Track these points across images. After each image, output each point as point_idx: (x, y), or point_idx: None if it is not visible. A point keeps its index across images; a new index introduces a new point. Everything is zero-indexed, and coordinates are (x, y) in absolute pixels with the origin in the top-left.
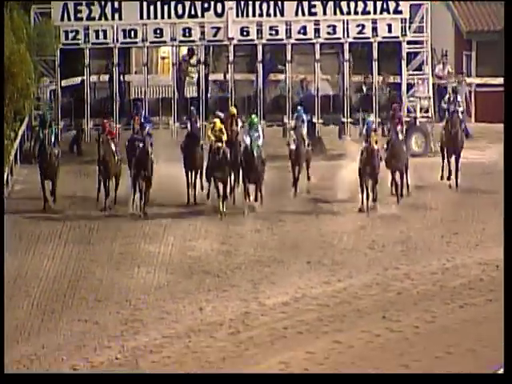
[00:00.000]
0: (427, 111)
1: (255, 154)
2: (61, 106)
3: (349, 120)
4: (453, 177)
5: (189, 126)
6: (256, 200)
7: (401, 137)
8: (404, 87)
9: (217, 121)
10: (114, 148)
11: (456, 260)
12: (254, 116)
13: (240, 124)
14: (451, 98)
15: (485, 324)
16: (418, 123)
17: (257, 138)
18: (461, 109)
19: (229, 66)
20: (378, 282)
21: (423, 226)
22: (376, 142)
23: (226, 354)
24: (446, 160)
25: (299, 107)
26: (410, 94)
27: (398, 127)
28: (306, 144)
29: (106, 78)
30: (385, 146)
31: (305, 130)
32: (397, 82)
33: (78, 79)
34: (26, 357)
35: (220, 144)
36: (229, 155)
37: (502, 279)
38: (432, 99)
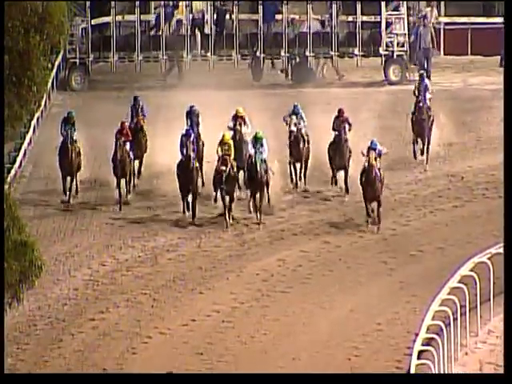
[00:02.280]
0: (403, 46)
1: (258, 170)
2: (90, 42)
3: (336, 53)
4: (424, 155)
5: (184, 150)
6: (257, 212)
7: (346, 137)
8: (383, 25)
9: (226, 134)
10: (128, 148)
11: (427, 172)
12: (259, 131)
13: (249, 128)
14: (420, 89)
15: (451, 226)
16: (395, 56)
17: (262, 151)
18: (429, 96)
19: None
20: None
21: (400, 144)
22: (375, 160)
23: (231, 252)
24: (417, 144)
25: (298, 106)
26: (388, 32)
27: (346, 127)
28: (306, 142)
29: (130, 17)
30: (328, 144)
31: (303, 129)
32: (377, 20)
33: (105, 18)
34: (62, 254)
35: (224, 168)
36: (235, 169)
37: (465, 188)
38: (407, 35)
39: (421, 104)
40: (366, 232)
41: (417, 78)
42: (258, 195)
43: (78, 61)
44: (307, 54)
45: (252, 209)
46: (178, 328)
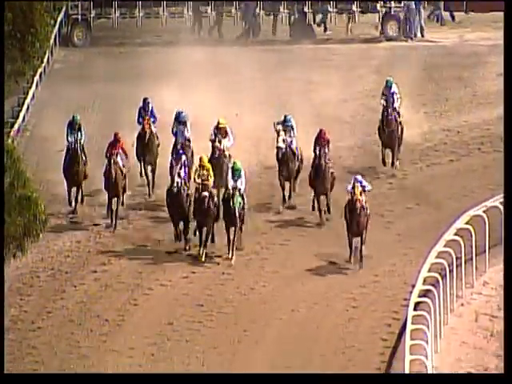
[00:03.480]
0: (400, 1)
1: (236, 209)
2: None
3: (334, 10)
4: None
5: (175, 176)
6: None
7: (326, 161)
8: None
9: (203, 157)
10: (121, 164)
11: (424, 127)
12: (236, 161)
13: (232, 141)
14: (387, 96)
15: (447, 180)
16: (392, 12)
17: (240, 184)
18: (397, 104)
19: None
20: (359, 145)
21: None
22: (361, 194)
23: None
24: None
25: (288, 116)
26: None
27: (326, 150)
28: (296, 158)
29: None
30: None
31: (294, 143)
32: None
33: None
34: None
35: (206, 193)
36: (214, 201)
37: (461, 143)
38: None
39: (388, 114)
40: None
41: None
42: (232, 230)
43: (80, 17)
44: (306, 10)
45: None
46: (178, 280)
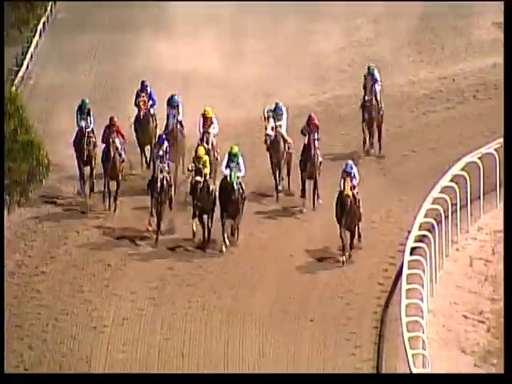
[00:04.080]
0: None
1: (235, 188)
2: None
3: None
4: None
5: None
6: (233, 235)
7: (316, 150)
8: None
9: (200, 148)
10: (119, 146)
11: (420, 75)
12: (234, 146)
13: (216, 129)
14: (367, 83)
15: (443, 127)
16: None
17: (237, 170)
18: (377, 88)
19: None
20: (356, 93)
21: (392, 48)
22: (352, 188)
23: None
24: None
25: (280, 104)
26: None
27: (316, 136)
28: (287, 146)
29: None
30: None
31: (284, 129)
32: None
33: None
34: (70, 156)
35: (199, 178)
36: (210, 188)
37: (456, 90)
38: None
39: (369, 100)
40: (359, 137)
41: None
42: (232, 219)
43: None
44: None
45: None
46: (180, 226)
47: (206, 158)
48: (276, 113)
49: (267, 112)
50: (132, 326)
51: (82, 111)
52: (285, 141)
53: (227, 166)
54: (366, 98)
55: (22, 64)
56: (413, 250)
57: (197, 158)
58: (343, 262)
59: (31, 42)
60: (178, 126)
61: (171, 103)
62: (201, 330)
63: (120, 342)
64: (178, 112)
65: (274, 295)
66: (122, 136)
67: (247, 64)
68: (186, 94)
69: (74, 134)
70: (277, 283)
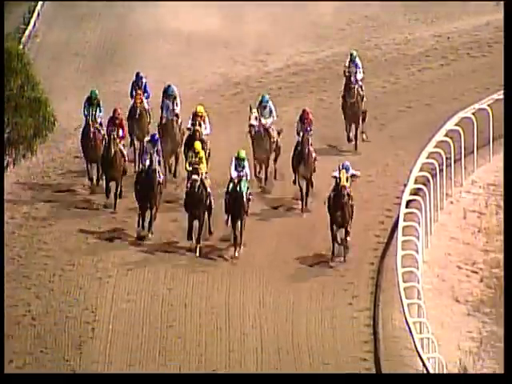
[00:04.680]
0: None
1: (244, 198)
2: None
3: None
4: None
5: (147, 160)
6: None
7: (309, 145)
8: None
9: (197, 143)
10: (122, 146)
11: (415, 33)
12: (241, 151)
13: (208, 129)
14: (350, 69)
15: (438, 84)
16: None
17: (244, 174)
18: (360, 76)
19: None
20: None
21: (389, 7)
22: (347, 180)
23: (233, 109)
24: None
25: (266, 97)
26: None
27: (309, 132)
28: (271, 143)
29: None
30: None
31: (270, 124)
32: None
33: None
34: (74, 110)
35: (196, 176)
36: (206, 188)
37: (451, 48)
38: None
39: (351, 87)
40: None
41: None
42: (238, 224)
43: None
44: None
45: (232, 239)
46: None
47: (202, 153)
48: (261, 106)
49: (251, 104)
50: (136, 276)
51: (91, 102)
52: (270, 137)
53: (235, 170)
54: (350, 83)
55: (28, 22)
56: (408, 203)
57: (193, 153)
58: (331, 259)
59: (38, 1)
60: (175, 118)
61: (167, 93)
62: (203, 280)
63: (124, 292)
64: (176, 104)
65: (274, 246)
66: (123, 130)
67: (247, 24)
68: (189, 52)
69: (82, 128)
70: (276, 234)
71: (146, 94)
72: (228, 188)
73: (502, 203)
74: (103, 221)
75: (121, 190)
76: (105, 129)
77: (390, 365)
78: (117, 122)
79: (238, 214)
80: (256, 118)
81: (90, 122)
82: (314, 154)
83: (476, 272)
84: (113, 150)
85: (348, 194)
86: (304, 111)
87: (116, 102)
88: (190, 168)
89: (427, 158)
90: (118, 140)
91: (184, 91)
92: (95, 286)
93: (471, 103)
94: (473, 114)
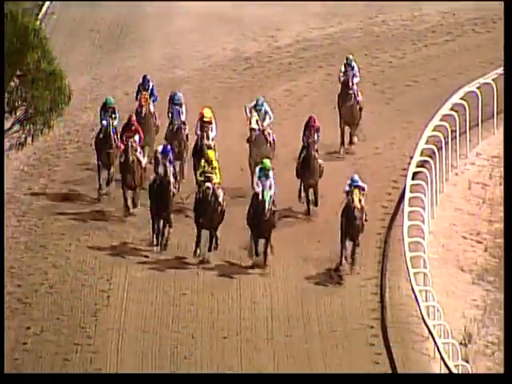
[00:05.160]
0: None
1: (267, 207)
2: None
3: None
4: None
5: (161, 170)
6: (264, 253)
7: (315, 153)
8: None
9: (209, 152)
10: (139, 152)
11: (422, 10)
12: (266, 160)
13: (214, 133)
14: (347, 73)
15: (444, 59)
16: None
17: (269, 186)
18: (356, 80)
19: None
20: (361, 27)
21: None
22: (360, 201)
23: (245, 83)
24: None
25: (260, 100)
26: None
27: (315, 139)
28: (269, 143)
29: None
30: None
31: (267, 127)
32: None
33: None
34: (89, 84)
35: (209, 184)
36: (218, 198)
37: (456, 24)
38: None
39: (349, 92)
40: (365, 68)
41: None
42: (263, 240)
43: None
44: None
45: (253, 254)
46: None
47: (215, 163)
48: (257, 109)
49: (249, 107)
50: (150, 247)
51: (106, 109)
52: (267, 141)
53: (258, 181)
54: (346, 88)
55: None
56: (415, 175)
57: (206, 162)
58: (338, 273)
59: None
60: (182, 126)
61: (174, 101)
62: (214, 252)
63: (139, 262)
64: (182, 112)
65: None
66: (139, 137)
67: (258, 1)
68: (201, 29)
69: (96, 133)
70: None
71: (153, 98)
72: (252, 200)
73: None
74: (118, 194)
75: (137, 199)
76: (118, 136)
77: (396, 332)
78: (132, 128)
79: (260, 229)
80: (257, 122)
81: (105, 130)
82: (320, 161)
83: (480, 242)
84: (131, 158)
85: (360, 213)
86: (310, 118)
87: (129, 78)
88: (202, 177)
89: (433, 130)
90: (135, 147)
91: (197, 66)
92: (110, 256)
93: (476, 78)
94: (477, 88)
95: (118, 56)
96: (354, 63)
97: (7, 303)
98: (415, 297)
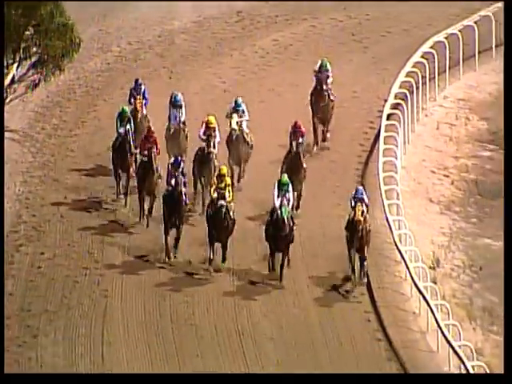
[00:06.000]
0: None
1: (286, 222)
2: None
3: None
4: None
5: (173, 182)
6: (282, 267)
7: (300, 150)
8: None
9: (223, 168)
10: (156, 164)
11: None
12: (284, 175)
13: (218, 138)
14: (321, 73)
15: (415, 12)
16: None
17: (287, 201)
18: (329, 81)
19: None
20: None
21: None
22: (362, 213)
23: (236, 34)
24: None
25: (239, 100)
26: None
27: (300, 140)
28: (246, 143)
29: None
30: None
31: (245, 124)
32: None
33: None
34: (96, 34)
35: (222, 202)
36: (230, 214)
37: None
38: None
39: (322, 90)
40: (344, 21)
41: None
42: (281, 255)
43: None
44: None
45: (271, 268)
46: (190, 96)
47: (228, 179)
48: (236, 109)
49: (230, 109)
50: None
51: (122, 119)
52: (245, 141)
53: (278, 195)
54: (320, 88)
55: None
56: (389, 116)
57: (219, 178)
58: (352, 283)
59: None
60: (181, 126)
61: (175, 103)
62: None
63: None
64: (181, 113)
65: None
66: (157, 148)
67: None
68: None
69: (114, 139)
70: (263, 182)
71: (144, 101)
72: (271, 216)
73: (470, 116)
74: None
75: (151, 207)
76: (135, 144)
77: (372, 256)
78: (151, 139)
79: (279, 244)
80: (237, 123)
81: (122, 138)
82: (304, 165)
83: (447, 176)
84: (154, 167)
85: (363, 226)
86: (296, 123)
87: (133, 29)
88: (216, 194)
89: (405, 76)
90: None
91: (193, 18)
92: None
93: (443, 29)
94: (445, 38)
95: (123, 9)
96: (328, 66)
97: (23, 231)
98: (389, 225)
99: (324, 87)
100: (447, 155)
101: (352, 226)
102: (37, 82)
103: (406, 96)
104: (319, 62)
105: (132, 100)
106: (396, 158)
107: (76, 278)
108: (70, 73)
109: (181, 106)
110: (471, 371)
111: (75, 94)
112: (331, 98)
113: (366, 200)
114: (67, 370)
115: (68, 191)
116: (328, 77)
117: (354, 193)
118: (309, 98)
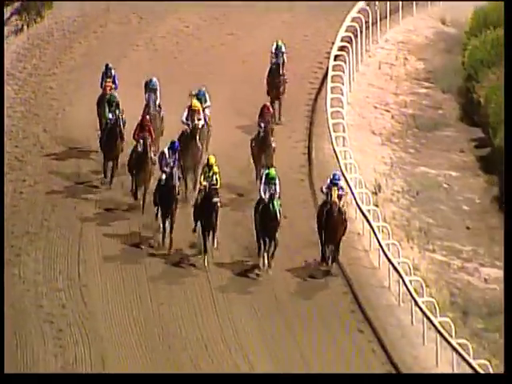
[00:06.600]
0: None
1: (278, 217)
2: None
3: None
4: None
5: (166, 168)
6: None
7: (271, 135)
8: None
9: (211, 157)
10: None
11: None
12: (272, 169)
13: (202, 122)
14: (277, 53)
15: None
16: None
17: (275, 192)
18: (284, 60)
19: None
20: None
21: None
22: (339, 197)
23: None
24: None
25: (203, 89)
26: None
27: (271, 123)
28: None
29: None
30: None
31: (208, 112)
32: None
33: None
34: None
35: (217, 199)
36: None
37: None
38: None
39: (278, 69)
40: None
41: None
42: (271, 243)
43: None
44: None
45: (261, 257)
46: (158, 39)
47: (216, 168)
48: (198, 97)
49: (191, 96)
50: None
51: (110, 104)
52: (208, 126)
53: (264, 189)
54: (276, 67)
55: None
56: (336, 57)
57: (207, 167)
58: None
59: None
60: (157, 109)
61: (150, 86)
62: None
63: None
64: (157, 96)
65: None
66: (151, 136)
67: None
68: None
69: (103, 126)
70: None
71: (114, 86)
72: (258, 207)
73: (408, 56)
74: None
75: (144, 196)
76: (123, 131)
77: (320, 183)
78: (146, 128)
79: (270, 231)
80: (203, 110)
81: (111, 123)
82: (274, 145)
83: (388, 111)
84: (149, 155)
85: (339, 210)
86: (264, 106)
87: None
88: (206, 183)
89: (351, 21)
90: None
91: None
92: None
93: None
94: None
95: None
96: (283, 48)
97: (7, 160)
98: (336, 156)
99: (280, 72)
100: (388, 92)
101: (327, 214)
102: (20, 27)
103: (351, 39)
104: (274, 44)
105: (103, 84)
106: (342, 95)
107: (54, 202)
108: (48, 18)
109: (155, 90)
110: (409, 286)
111: (53, 37)
112: (284, 76)
113: (343, 186)
114: (47, 285)
115: (47, 124)
116: (284, 61)
117: (330, 177)
118: (265, 80)
